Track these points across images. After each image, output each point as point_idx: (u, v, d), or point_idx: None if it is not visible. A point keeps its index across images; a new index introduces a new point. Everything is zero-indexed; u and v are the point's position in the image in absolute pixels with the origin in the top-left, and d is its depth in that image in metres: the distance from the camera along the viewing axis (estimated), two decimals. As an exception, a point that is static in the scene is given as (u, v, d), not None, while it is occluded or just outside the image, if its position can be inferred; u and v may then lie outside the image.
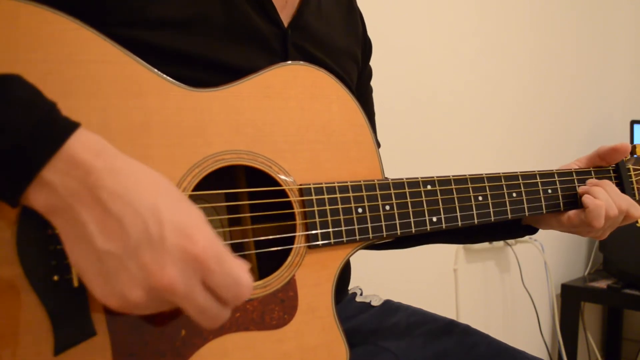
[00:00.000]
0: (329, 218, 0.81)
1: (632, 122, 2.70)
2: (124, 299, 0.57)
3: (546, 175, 1.00)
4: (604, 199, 0.98)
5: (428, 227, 0.88)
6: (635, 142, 2.66)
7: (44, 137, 0.56)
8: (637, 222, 1.07)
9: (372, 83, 1.15)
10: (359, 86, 1.07)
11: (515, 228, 1.09)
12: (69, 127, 0.58)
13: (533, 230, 1.09)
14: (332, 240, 0.80)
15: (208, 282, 0.58)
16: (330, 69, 0.88)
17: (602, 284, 2.62)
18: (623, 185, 1.05)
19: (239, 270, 0.59)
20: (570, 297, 2.65)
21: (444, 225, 0.89)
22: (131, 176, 0.58)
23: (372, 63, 1.14)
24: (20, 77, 0.59)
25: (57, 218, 0.58)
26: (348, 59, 1.03)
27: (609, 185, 1.01)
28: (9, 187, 0.56)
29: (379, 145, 0.90)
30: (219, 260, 0.58)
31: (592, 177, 1.04)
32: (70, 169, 0.57)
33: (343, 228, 0.81)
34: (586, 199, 0.99)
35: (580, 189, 1.02)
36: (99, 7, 0.74)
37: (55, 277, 0.62)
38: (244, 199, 0.82)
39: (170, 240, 0.56)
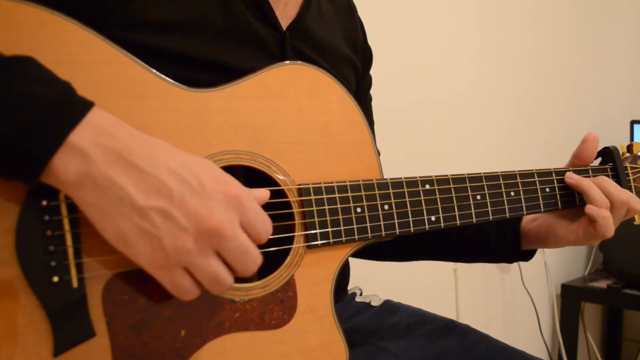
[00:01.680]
0: (328, 218, 0.81)
1: (632, 122, 2.70)
2: (174, 248, 0.60)
3: (544, 174, 1.00)
4: (601, 200, 0.96)
5: (427, 227, 0.88)
6: (635, 141, 2.66)
7: (67, 109, 0.59)
8: (634, 219, 1.07)
9: (372, 83, 1.15)
10: (358, 94, 1.07)
11: (514, 252, 1.08)
12: (87, 102, 0.60)
13: (529, 256, 1.08)
14: (331, 240, 0.81)
15: (245, 219, 0.64)
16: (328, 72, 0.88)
17: (602, 284, 2.61)
18: (621, 184, 1.05)
19: (261, 208, 0.67)
20: (570, 297, 2.65)
21: (442, 225, 0.89)
22: (150, 141, 0.62)
23: (373, 62, 1.14)
24: (33, 59, 0.61)
25: (87, 186, 0.59)
26: (347, 65, 1.03)
27: (605, 181, 0.99)
28: (35, 155, 0.57)
29: (378, 153, 0.90)
30: (250, 199, 0.65)
31: (589, 176, 1.03)
32: (98, 136, 0.59)
33: (342, 228, 0.81)
34: (592, 211, 0.96)
35: (568, 180, 1.00)
36: (98, 9, 0.74)
37: (55, 278, 0.62)
38: (243, 199, 0.82)
39: (211, 187, 0.62)
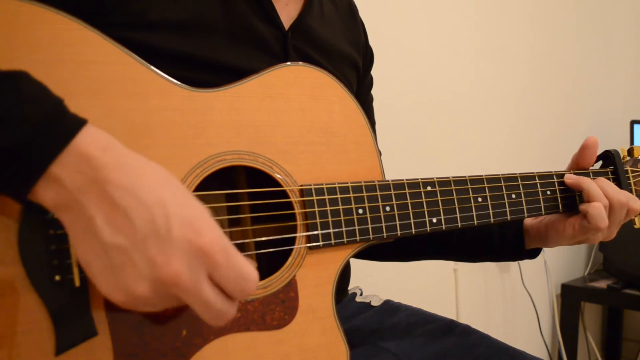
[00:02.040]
0: (330, 219, 0.81)
1: (632, 122, 2.69)
2: (130, 293, 0.57)
3: (545, 176, 1.00)
4: (599, 196, 0.97)
5: (428, 228, 0.88)
6: (636, 142, 2.66)
7: (53, 133, 0.56)
8: (634, 223, 1.07)
9: (374, 83, 1.15)
10: (360, 95, 1.07)
11: (518, 251, 1.08)
12: (77, 122, 0.58)
13: (534, 254, 1.08)
14: (332, 241, 0.81)
15: (214, 275, 0.58)
16: (329, 73, 0.88)
17: (602, 284, 2.61)
18: (621, 187, 1.05)
19: (245, 265, 0.59)
20: (570, 297, 2.65)
21: (443, 226, 0.89)
22: (138, 170, 0.58)
23: (374, 63, 1.15)
24: (27, 74, 0.59)
25: (64, 213, 0.58)
26: (348, 65, 1.03)
27: (604, 182, 0.99)
28: (17, 183, 0.56)
29: (379, 153, 0.91)
30: (225, 254, 0.58)
31: (591, 179, 1.03)
32: (79, 164, 0.57)
33: (344, 229, 0.82)
34: (582, 206, 0.98)
35: (567, 180, 1.00)
36: (99, 8, 0.74)
37: (57, 277, 0.62)
38: (245, 199, 0.83)
39: (177, 233, 0.57)
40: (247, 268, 0.59)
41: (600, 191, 0.98)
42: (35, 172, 0.56)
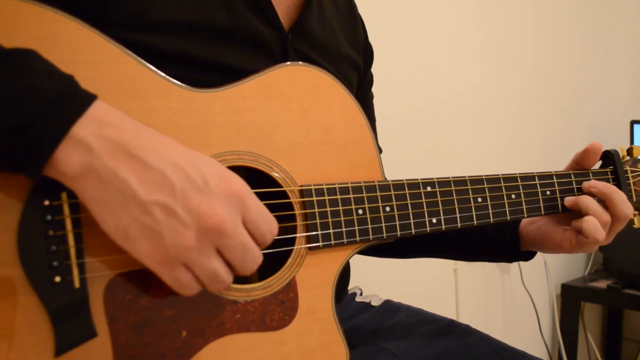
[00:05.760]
0: (330, 219, 0.81)
1: (632, 122, 2.69)
2: (174, 245, 0.60)
3: (545, 177, 1.00)
4: (593, 210, 0.96)
5: (428, 229, 0.88)
6: (636, 142, 2.66)
7: (71, 100, 0.58)
8: (633, 223, 1.07)
9: (374, 83, 1.15)
10: (360, 93, 1.07)
11: (513, 252, 1.08)
12: (90, 95, 0.60)
13: (529, 256, 1.08)
14: (332, 242, 0.81)
15: (247, 218, 0.64)
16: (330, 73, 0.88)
17: (602, 284, 2.61)
18: (621, 187, 1.05)
19: (266, 208, 0.66)
20: (570, 297, 2.65)
21: (443, 227, 0.89)
22: (155, 136, 0.62)
23: (373, 64, 1.14)
24: (36, 52, 0.61)
25: (89, 180, 0.58)
26: (348, 65, 1.03)
27: (615, 194, 0.98)
28: (39, 148, 0.57)
29: (380, 151, 0.91)
30: (253, 198, 0.65)
31: (590, 179, 1.03)
32: (100, 129, 0.58)
33: (344, 229, 0.81)
34: (575, 222, 0.97)
35: (566, 202, 1.00)
36: (99, 8, 0.74)
37: (57, 278, 0.62)
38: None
39: (213, 183, 0.62)
40: (268, 211, 0.66)
41: (599, 207, 0.97)
42: (57, 134, 0.57)
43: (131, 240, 0.60)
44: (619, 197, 0.98)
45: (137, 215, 0.59)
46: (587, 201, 0.98)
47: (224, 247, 0.63)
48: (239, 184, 0.64)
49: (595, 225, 0.95)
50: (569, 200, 1.00)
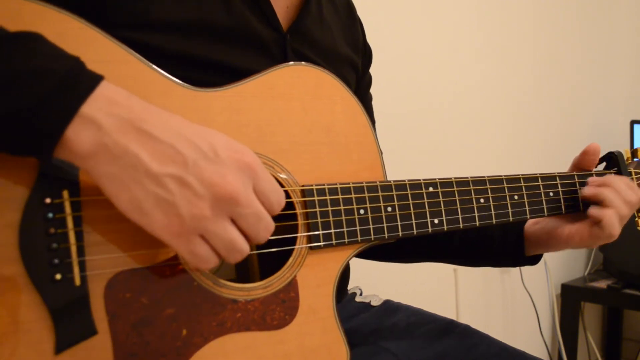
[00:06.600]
0: (331, 219, 0.81)
1: (632, 122, 2.69)
2: (190, 215, 0.60)
3: (548, 178, 1.00)
4: (614, 203, 0.96)
5: (430, 229, 0.88)
6: (635, 142, 2.66)
7: (79, 80, 0.59)
8: (637, 224, 1.07)
9: (374, 84, 1.15)
10: (359, 93, 1.06)
11: (517, 257, 1.07)
12: (97, 75, 0.61)
13: (535, 261, 1.08)
14: (333, 242, 0.81)
15: (258, 188, 0.65)
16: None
17: (602, 284, 2.61)
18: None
19: (274, 180, 0.67)
20: (570, 297, 2.65)
21: (445, 227, 0.89)
22: (164, 113, 0.63)
23: (373, 64, 1.14)
24: (41, 35, 0.61)
25: (101, 157, 0.59)
26: (347, 65, 1.03)
27: (615, 182, 0.98)
28: (49, 128, 0.57)
29: (381, 152, 0.90)
30: (262, 168, 0.66)
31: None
32: (109, 107, 0.59)
33: (345, 229, 0.81)
34: (595, 211, 0.96)
35: (586, 192, 0.99)
36: (101, 8, 0.74)
37: (58, 276, 0.62)
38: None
39: (224, 154, 0.62)
40: (277, 183, 0.67)
41: (618, 196, 0.97)
42: (67, 114, 0.57)
43: (146, 213, 0.60)
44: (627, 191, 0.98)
45: (151, 188, 0.60)
46: (608, 193, 0.97)
47: (238, 216, 0.63)
48: (249, 155, 0.65)
49: (616, 218, 0.95)
50: (588, 190, 0.99)
